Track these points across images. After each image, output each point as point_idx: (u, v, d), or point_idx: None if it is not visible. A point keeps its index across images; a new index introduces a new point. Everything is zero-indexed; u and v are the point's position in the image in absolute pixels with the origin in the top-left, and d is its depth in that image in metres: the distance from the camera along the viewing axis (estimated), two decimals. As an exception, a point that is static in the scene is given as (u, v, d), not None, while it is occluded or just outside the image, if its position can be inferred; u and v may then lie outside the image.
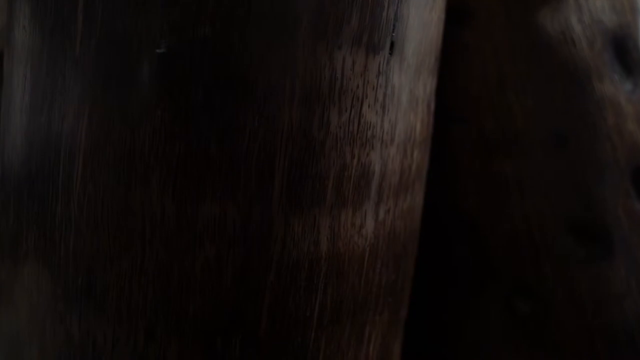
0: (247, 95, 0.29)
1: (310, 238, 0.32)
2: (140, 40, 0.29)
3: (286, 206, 0.31)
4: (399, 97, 0.34)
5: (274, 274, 0.31)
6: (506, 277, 0.46)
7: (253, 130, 0.30)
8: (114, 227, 0.30)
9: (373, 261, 0.35)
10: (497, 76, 0.45)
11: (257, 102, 0.30)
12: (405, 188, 0.37)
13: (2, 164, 0.36)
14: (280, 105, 0.30)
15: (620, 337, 0.44)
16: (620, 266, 0.44)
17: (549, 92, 0.44)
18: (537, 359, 0.45)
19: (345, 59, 0.31)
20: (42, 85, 0.32)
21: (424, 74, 0.37)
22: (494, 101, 0.45)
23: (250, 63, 0.29)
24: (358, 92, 0.32)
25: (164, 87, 0.29)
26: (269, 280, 0.31)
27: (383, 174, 0.34)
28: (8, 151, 0.35)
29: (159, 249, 0.30)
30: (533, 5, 0.45)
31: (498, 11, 0.45)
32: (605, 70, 0.45)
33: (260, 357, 0.32)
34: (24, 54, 0.33)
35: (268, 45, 0.29)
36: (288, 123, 0.30)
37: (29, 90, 0.33)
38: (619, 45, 0.46)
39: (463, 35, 0.46)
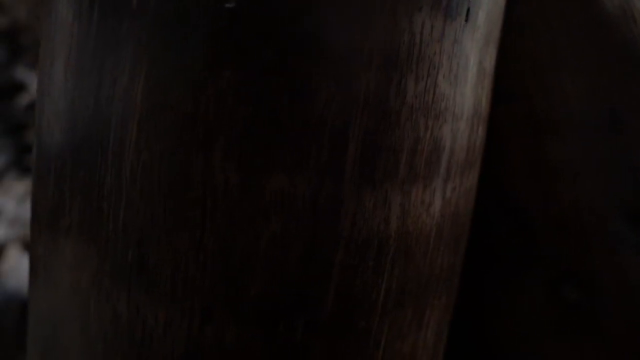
0: (323, 56, 0.26)
1: (381, 215, 0.29)
2: (205, -7, 0.26)
3: (358, 179, 0.28)
4: (471, 68, 0.32)
5: (343, 253, 0.28)
6: (552, 263, 0.43)
7: (328, 94, 0.27)
8: (171, 197, 0.27)
9: (438, 242, 0.32)
10: (550, 53, 0.43)
11: (334, 64, 0.27)
12: (470, 165, 0.34)
13: (41, 131, 0.33)
14: (358, 69, 0.27)
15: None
16: (671, 254, 0.41)
17: (605, 70, 0.42)
18: (582, 347, 0.43)
19: (425, 23, 0.28)
20: (91, 44, 0.29)
21: (491, 45, 0.34)
22: (545, 79, 0.43)
23: (327, 22, 0.26)
24: (435, 60, 0.29)
25: (232, 45, 0.26)
26: (337, 259, 0.28)
27: (452, 149, 0.31)
28: (48, 117, 0.32)
29: (220, 223, 0.27)
30: (586, -19, 0.43)
31: (550, -14, 0.43)
32: (660, 50, 0.42)
33: (322, 343, 0.29)
34: (69, 9, 0.30)
35: (348, 3, 0.26)
36: (365, 89, 0.27)
37: (74, 50, 0.30)
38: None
39: (515, 10, 0.43)
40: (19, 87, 1.40)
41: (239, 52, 0.26)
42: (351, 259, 0.28)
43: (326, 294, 0.28)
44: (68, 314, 0.32)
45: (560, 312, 0.43)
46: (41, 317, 0.34)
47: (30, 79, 1.38)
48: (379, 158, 0.28)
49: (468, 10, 0.30)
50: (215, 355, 0.28)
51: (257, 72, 0.26)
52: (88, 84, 0.29)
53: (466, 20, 0.30)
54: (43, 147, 0.33)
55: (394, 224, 0.29)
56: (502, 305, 0.45)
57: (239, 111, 0.26)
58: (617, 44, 0.42)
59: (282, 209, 0.27)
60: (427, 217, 0.31)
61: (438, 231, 0.32)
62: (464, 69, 0.31)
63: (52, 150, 0.32)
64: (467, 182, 0.34)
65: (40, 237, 0.33)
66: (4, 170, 1.40)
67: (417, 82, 0.28)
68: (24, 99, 1.37)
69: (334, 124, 0.27)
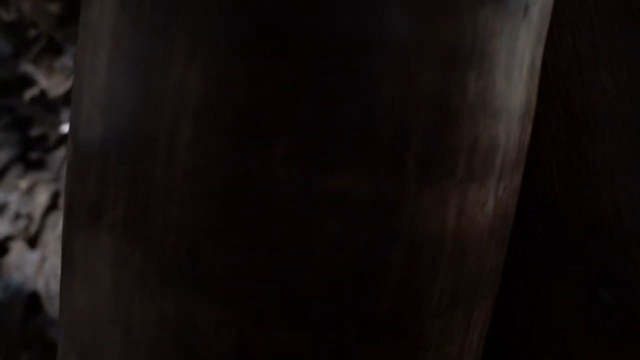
0: (386, 53, 0.25)
1: (438, 215, 0.28)
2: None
3: (418, 178, 0.27)
4: (525, 65, 0.31)
5: (400, 254, 0.27)
6: (589, 263, 0.43)
7: (390, 91, 0.26)
8: (226, 196, 0.26)
9: (489, 242, 0.31)
10: (590, 50, 0.42)
11: (397, 61, 0.26)
12: (519, 165, 0.33)
13: (79, 125, 0.32)
14: (421, 66, 0.26)
15: None
16: None
17: (647, 69, 0.41)
18: (621, 350, 0.42)
19: (488, 18, 0.27)
20: (141, 35, 0.28)
21: (541, 42, 0.33)
22: (584, 78, 0.42)
23: (391, 17, 0.25)
24: (494, 57, 0.28)
25: (294, 38, 0.25)
26: (395, 261, 0.27)
27: (506, 148, 0.31)
28: (89, 111, 0.31)
29: (276, 224, 0.26)
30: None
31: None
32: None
33: (374, 347, 0.28)
34: None
35: (410, -3, 0.25)
36: (426, 85, 0.26)
37: (121, 41, 0.28)
38: None
39: (556, 7, 0.42)
40: (24, 82, 1.39)
41: (301, 46, 0.25)
42: (409, 260, 0.27)
43: (382, 296, 0.27)
44: (108, 314, 0.31)
45: (596, 314, 0.42)
46: (78, 316, 0.33)
47: (35, 74, 1.36)
48: (439, 157, 0.27)
49: (527, 4, 0.29)
50: (266, 359, 0.27)
51: (320, 68, 0.25)
52: (136, 76, 0.28)
53: (524, 15, 0.29)
54: (82, 141, 0.31)
55: (450, 223, 0.28)
56: (535, 306, 0.44)
57: (299, 108, 0.25)
58: (659, 42, 0.41)
59: (341, 209, 0.26)
60: (482, 217, 0.30)
61: (490, 231, 0.31)
62: (519, 67, 0.30)
63: (93, 145, 0.31)
64: (515, 182, 0.33)
65: (78, 233, 0.32)
66: (8, 165, 1.39)
67: (479, 79, 0.27)
68: (28, 94, 1.35)
69: (396, 121, 0.26)
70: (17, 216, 1.35)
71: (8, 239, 1.36)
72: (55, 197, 1.35)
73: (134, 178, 0.28)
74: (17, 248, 1.36)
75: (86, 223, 0.31)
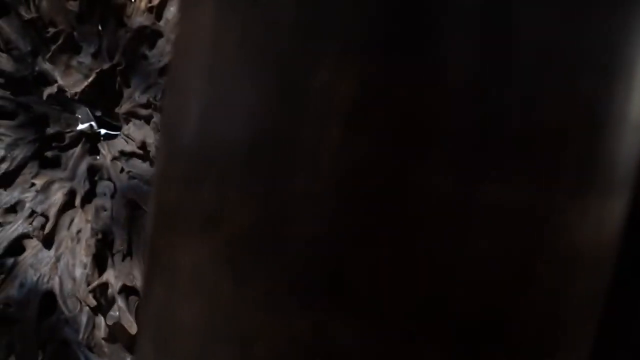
0: (547, 60, 0.24)
1: (582, 227, 0.27)
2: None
3: (569, 190, 0.26)
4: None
5: (552, 269, 0.26)
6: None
7: (550, 100, 0.24)
8: (377, 207, 0.25)
9: (613, 254, 0.30)
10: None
11: (556, 68, 0.24)
12: (638, 178, 0.32)
13: (188, 130, 0.30)
14: (581, 72, 0.25)
15: None
16: None
17: None
18: None
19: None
20: (277, 34, 0.26)
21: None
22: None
23: (554, 26, 0.24)
24: (631, 67, 0.27)
25: (469, 43, 0.23)
26: (543, 274, 0.26)
27: (634, 161, 0.29)
28: (201, 116, 0.29)
29: (429, 235, 0.25)
30: None
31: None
32: None
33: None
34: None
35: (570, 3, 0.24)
36: (584, 96, 0.25)
37: (248, 41, 0.27)
38: None
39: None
40: (41, 79, 1.36)
41: (463, 52, 0.24)
42: (554, 272, 0.26)
43: (533, 314, 0.26)
44: (225, 331, 0.29)
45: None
46: (181, 330, 0.31)
47: (52, 72, 1.34)
48: (590, 167, 0.26)
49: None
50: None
51: (483, 76, 0.24)
52: (271, 80, 0.26)
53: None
54: (192, 148, 0.30)
55: (590, 235, 0.27)
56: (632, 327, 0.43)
57: (463, 116, 0.24)
58: None
59: (496, 220, 0.25)
60: (616, 229, 0.29)
61: (619, 242, 0.30)
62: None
63: (208, 152, 0.29)
64: (633, 194, 0.32)
65: (186, 243, 0.31)
66: (23, 163, 1.36)
67: (629, 90, 0.26)
68: (46, 91, 1.33)
69: (554, 130, 0.25)
70: (32, 214, 1.32)
71: (23, 237, 1.33)
72: (70, 195, 1.33)
73: (267, 187, 0.27)
74: (32, 247, 1.33)
75: (197, 233, 0.30)
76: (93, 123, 1.41)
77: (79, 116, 1.40)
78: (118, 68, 1.27)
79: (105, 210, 1.30)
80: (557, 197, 0.25)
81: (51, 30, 1.30)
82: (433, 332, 0.25)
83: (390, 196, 0.25)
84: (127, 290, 1.26)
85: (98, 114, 1.40)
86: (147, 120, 1.28)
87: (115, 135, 1.37)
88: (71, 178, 1.35)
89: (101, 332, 1.28)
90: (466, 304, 0.25)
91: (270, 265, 0.27)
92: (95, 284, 1.26)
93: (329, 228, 0.26)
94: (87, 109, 1.40)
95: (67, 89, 1.31)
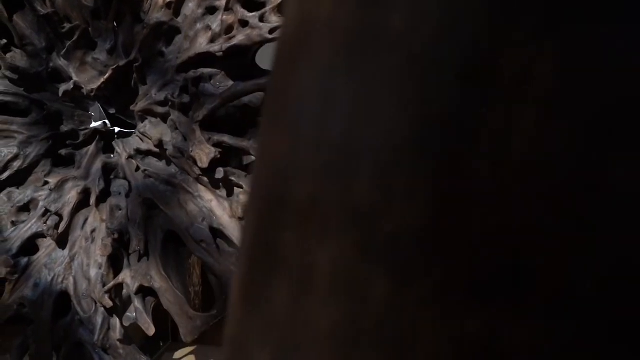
0: None
1: None
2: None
3: None
4: None
5: None
6: None
7: None
8: (564, 193, 0.22)
9: None
10: None
11: None
12: None
13: (333, 122, 0.27)
14: None
15: None
16: None
17: None
18: None
19: None
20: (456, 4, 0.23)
21: None
22: None
23: None
24: None
25: None
26: None
27: None
28: (353, 100, 0.26)
29: (615, 227, 0.22)
30: None
31: None
32: None
33: None
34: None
35: None
36: None
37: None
38: None
39: None
40: (55, 76, 1.32)
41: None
42: None
43: None
44: (374, 335, 0.26)
45: None
46: (320, 338, 0.28)
47: (67, 68, 1.30)
48: None
49: None
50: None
51: None
52: (451, 58, 0.23)
53: None
54: (332, 137, 0.26)
55: None
56: None
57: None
58: None
59: None
60: None
61: None
62: None
63: (362, 141, 0.26)
64: None
65: (328, 243, 0.27)
66: (37, 161, 1.31)
67: None
68: (62, 88, 1.29)
69: None
70: (46, 213, 1.28)
71: (37, 236, 1.29)
72: (84, 194, 1.29)
73: (440, 176, 0.24)
74: (46, 246, 1.29)
75: (343, 230, 0.26)
76: (106, 121, 1.37)
77: (92, 114, 1.36)
78: (134, 65, 1.23)
79: (120, 210, 1.26)
80: None
81: (67, 25, 1.26)
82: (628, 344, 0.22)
83: (588, 192, 0.22)
84: (144, 291, 1.22)
85: (112, 111, 1.36)
86: (164, 118, 1.24)
87: (130, 134, 1.33)
88: (85, 177, 1.31)
89: (116, 333, 1.24)
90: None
91: (443, 261, 0.24)
92: (111, 284, 1.22)
93: (515, 220, 0.23)
94: (100, 106, 1.36)
95: (83, 86, 1.27)
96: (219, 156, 1.15)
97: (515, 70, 0.22)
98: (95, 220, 1.28)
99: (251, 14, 1.13)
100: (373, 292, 0.26)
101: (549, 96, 0.22)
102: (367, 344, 0.27)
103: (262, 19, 1.13)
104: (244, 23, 1.14)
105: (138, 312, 1.21)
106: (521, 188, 0.22)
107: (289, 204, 0.29)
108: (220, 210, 1.20)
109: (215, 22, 1.17)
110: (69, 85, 1.25)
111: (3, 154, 1.29)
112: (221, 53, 1.15)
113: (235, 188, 1.20)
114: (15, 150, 1.30)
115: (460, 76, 0.23)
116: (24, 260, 1.26)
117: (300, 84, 0.29)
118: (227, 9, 1.15)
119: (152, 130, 1.26)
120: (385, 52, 0.25)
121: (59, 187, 1.30)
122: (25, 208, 1.30)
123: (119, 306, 1.26)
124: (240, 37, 1.14)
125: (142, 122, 1.28)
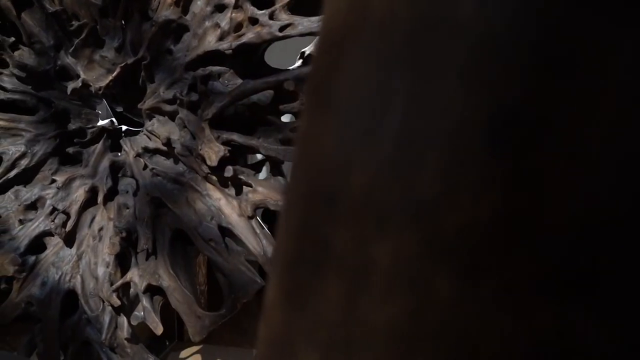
0: None
1: None
2: None
3: None
4: None
5: None
6: None
7: None
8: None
9: None
10: None
11: None
12: None
13: (388, 111, 0.26)
14: None
15: None
16: None
17: None
18: None
19: None
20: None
21: None
22: None
23: None
24: None
25: None
26: None
27: None
28: (412, 91, 0.25)
29: None
30: None
31: None
32: None
33: None
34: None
35: None
36: None
37: None
38: None
39: None
40: (63, 74, 1.30)
41: None
42: None
43: None
44: (435, 334, 0.25)
45: None
46: (376, 337, 0.27)
47: (75, 66, 1.28)
48: None
49: None
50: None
51: None
52: (528, 47, 0.22)
53: None
54: (391, 129, 0.25)
55: None
56: None
57: None
58: None
59: None
60: None
61: None
62: None
63: (426, 132, 0.25)
64: None
65: (387, 239, 0.26)
66: (44, 159, 1.30)
67: None
68: (70, 86, 1.27)
69: None
70: (53, 211, 1.27)
71: (44, 235, 1.27)
72: (91, 192, 1.28)
73: (518, 171, 0.23)
74: (54, 244, 1.28)
75: (403, 225, 0.25)
76: (113, 119, 1.35)
77: (99, 112, 1.35)
78: (142, 63, 1.22)
79: (127, 208, 1.25)
80: None
81: (75, 23, 1.25)
82: None
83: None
84: (151, 290, 1.21)
85: (119, 109, 1.34)
86: (172, 116, 1.23)
87: (138, 132, 1.32)
88: (92, 175, 1.29)
89: (124, 332, 1.23)
90: None
91: (517, 257, 0.23)
92: (119, 283, 1.21)
93: (596, 214, 0.22)
94: (107, 104, 1.35)
95: (90, 84, 1.25)
96: (228, 154, 1.14)
97: (595, 59, 0.21)
98: (103, 219, 1.27)
99: (261, 12, 1.12)
100: (437, 289, 0.25)
101: (629, 87, 0.21)
102: (429, 342, 0.26)
103: (272, 16, 1.12)
104: (253, 21, 1.13)
105: (146, 311, 1.20)
106: (603, 180, 0.22)
107: (341, 199, 0.28)
108: (228, 208, 1.19)
109: (224, 20, 1.16)
110: (77, 83, 1.24)
111: (11, 152, 1.28)
112: (230, 51, 1.14)
113: (244, 186, 1.19)
114: (22, 148, 1.28)
115: (536, 63, 0.22)
116: (32, 258, 1.25)
117: (353, 74, 0.28)
118: (236, 6, 1.14)
119: (160, 129, 1.25)
120: (453, 40, 0.24)
121: (67, 185, 1.29)
122: (33, 206, 1.29)
123: (127, 305, 1.25)
124: (249, 34, 1.13)
125: (150, 120, 1.27)
